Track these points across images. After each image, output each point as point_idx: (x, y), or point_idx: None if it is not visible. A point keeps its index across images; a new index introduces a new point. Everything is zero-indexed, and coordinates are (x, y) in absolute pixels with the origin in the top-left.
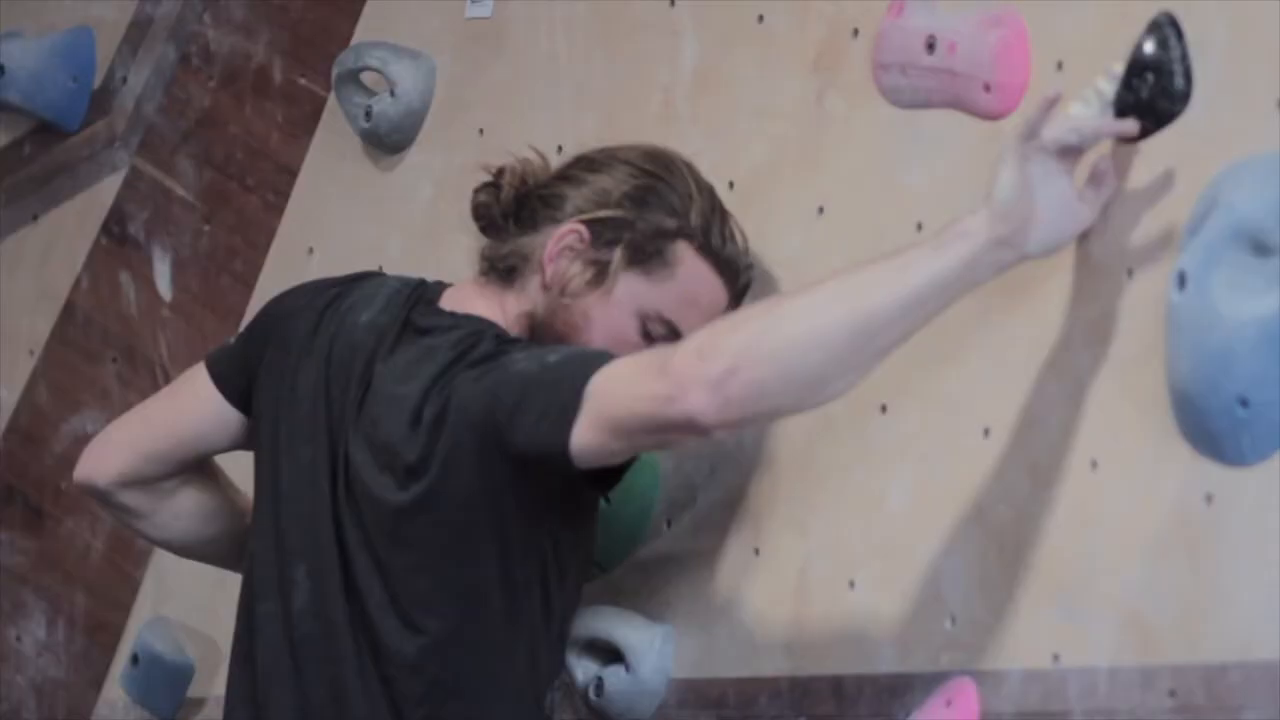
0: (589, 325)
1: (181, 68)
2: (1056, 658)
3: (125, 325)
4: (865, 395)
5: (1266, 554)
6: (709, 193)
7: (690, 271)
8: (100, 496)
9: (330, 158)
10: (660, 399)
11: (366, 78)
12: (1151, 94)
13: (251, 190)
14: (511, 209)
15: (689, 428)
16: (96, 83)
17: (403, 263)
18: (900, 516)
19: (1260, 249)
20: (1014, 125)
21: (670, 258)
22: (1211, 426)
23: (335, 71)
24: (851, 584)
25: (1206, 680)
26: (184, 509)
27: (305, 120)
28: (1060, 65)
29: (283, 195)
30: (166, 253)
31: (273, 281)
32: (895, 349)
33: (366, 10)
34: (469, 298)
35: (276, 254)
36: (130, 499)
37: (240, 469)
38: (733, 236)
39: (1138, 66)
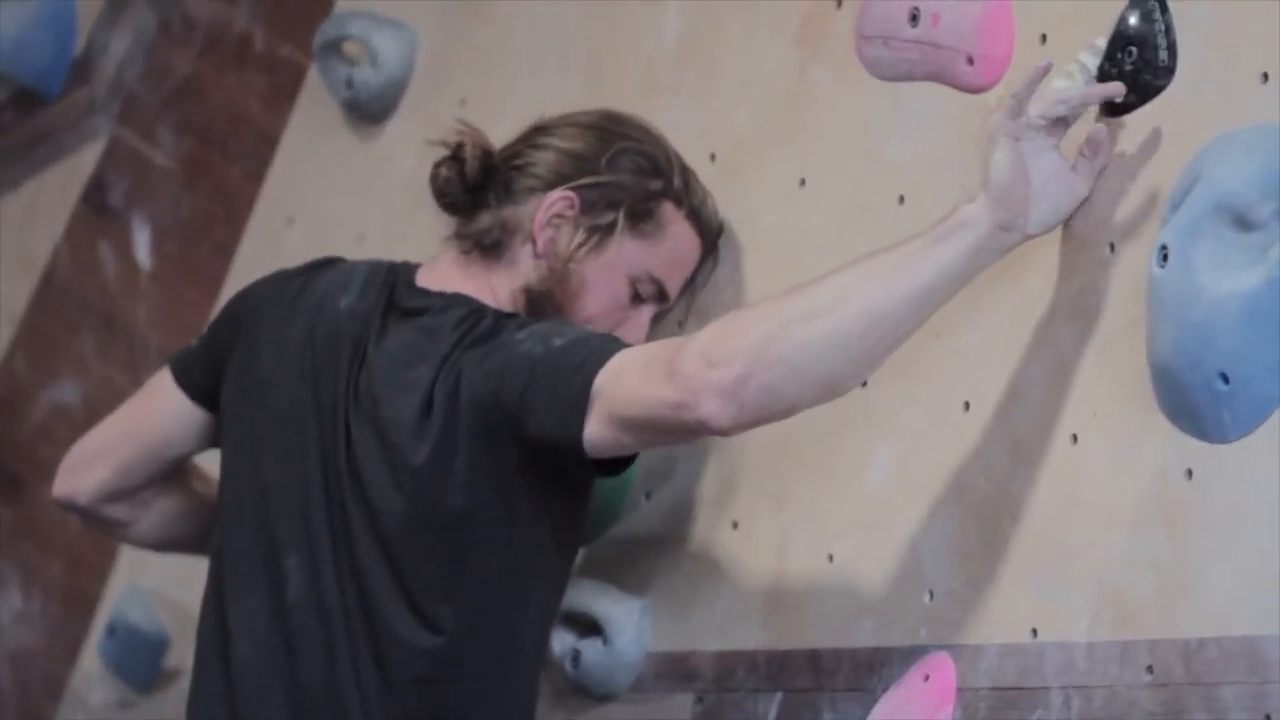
0: (585, 290)
1: (162, 35)
2: (1035, 633)
3: (104, 294)
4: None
5: (1245, 530)
6: (677, 154)
7: (678, 231)
8: (82, 513)
9: (311, 127)
10: (672, 405)
11: (348, 47)
12: (1135, 68)
13: (232, 159)
14: (479, 181)
15: (703, 431)
16: (77, 49)
17: (383, 232)
18: (880, 490)
19: (1242, 224)
20: (998, 103)
21: (660, 219)
22: (1192, 402)
23: (317, 40)
24: (830, 558)
25: (1184, 656)
26: (165, 514)
27: (286, 89)
28: (1044, 38)
29: (263, 164)
30: (146, 222)
31: (252, 251)
32: (905, 341)
33: None
34: (452, 277)
35: (256, 224)
36: (112, 512)
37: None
38: (706, 195)
39: (1121, 40)
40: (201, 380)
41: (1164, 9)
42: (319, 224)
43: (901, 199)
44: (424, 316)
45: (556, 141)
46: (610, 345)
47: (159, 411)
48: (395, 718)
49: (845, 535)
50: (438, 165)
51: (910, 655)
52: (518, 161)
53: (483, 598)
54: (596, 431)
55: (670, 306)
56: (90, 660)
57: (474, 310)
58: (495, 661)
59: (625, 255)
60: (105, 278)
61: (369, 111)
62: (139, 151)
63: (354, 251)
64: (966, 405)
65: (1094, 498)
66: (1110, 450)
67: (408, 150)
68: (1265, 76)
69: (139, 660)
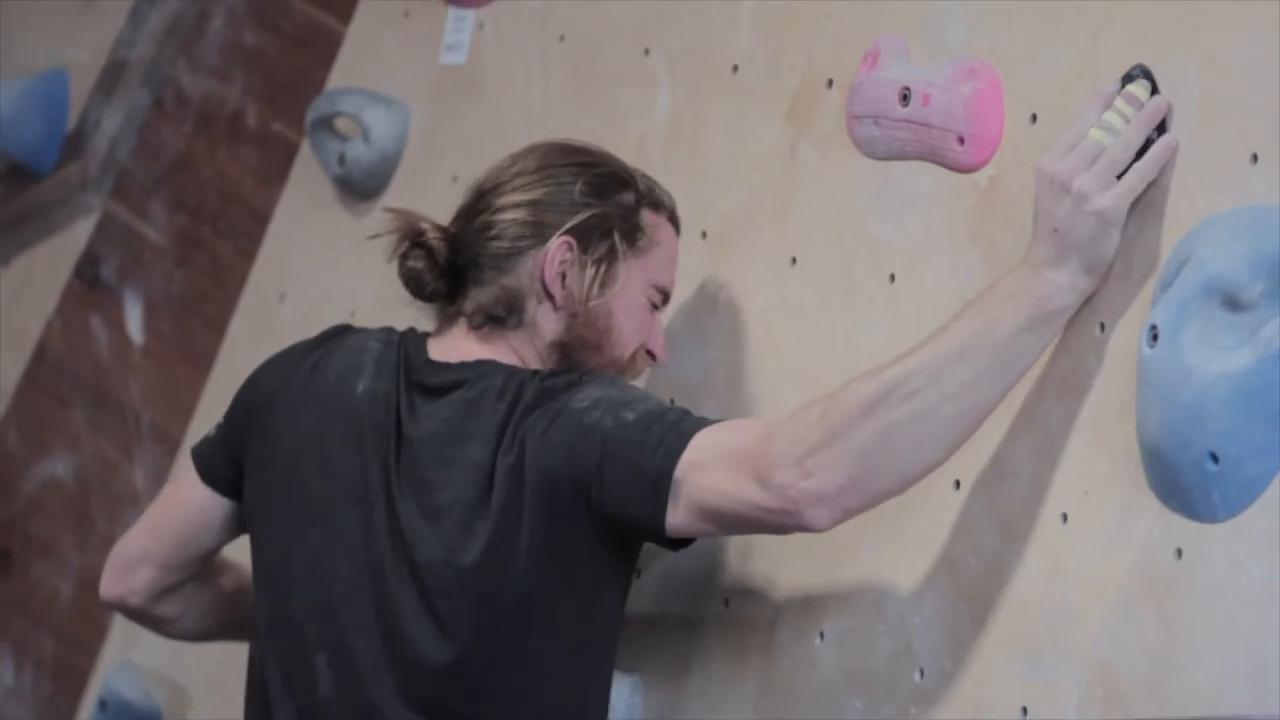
0: (613, 323)
1: (155, 111)
2: (1024, 711)
3: (96, 369)
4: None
5: (1235, 610)
6: (617, 157)
7: (662, 233)
8: (135, 614)
9: (303, 203)
10: (770, 511)
11: (340, 124)
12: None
13: (224, 235)
14: (453, 261)
15: (801, 530)
16: (70, 126)
17: (375, 309)
18: (870, 568)
19: (1232, 304)
20: (1125, 189)
21: (647, 229)
22: (1182, 482)
23: (309, 117)
24: (821, 635)
25: None
26: (209, 604)
27: (278, 165)
28: (1034, 118)
29: (255, 240)
30: (138, 297)
31: (244, 327)
32: None
33: (341, 56)
34: (471, 347)
35: (248, 299)
36: (163, 610)
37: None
38: (655, 182)
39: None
40: (224, 471)
41: (1154, 89)
42: (311, 300)
43: (892, 278)
44: (457, 391)
45: (516, 196)
46: (684, 424)
47: (189, 505)
48: None
49: (835, 613)
50: (404, 259)
51: None
52: (489, 232)
53: (546, 673)
54: (678, 518)
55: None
56: None
57: (511, 375)
58: None
59: (634, 275)
60: (97, 352)
61: (361, 188)
62: (131, 227)
63: None
64: (957, 484)
65: (1084, 576)
66: (1100, 529)
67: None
68: (1255, 158)
69: None
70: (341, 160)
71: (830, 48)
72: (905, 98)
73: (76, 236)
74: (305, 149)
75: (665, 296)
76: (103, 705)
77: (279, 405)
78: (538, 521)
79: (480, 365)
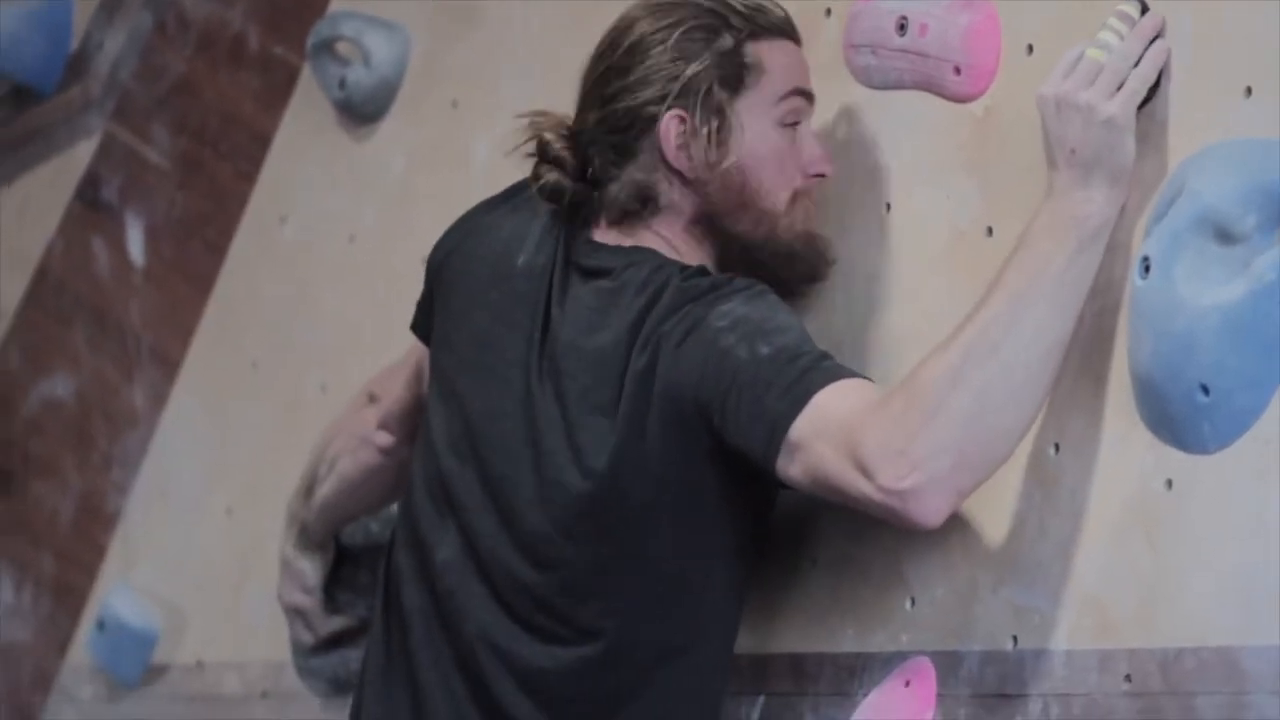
0: (750, 174)
1: (157, 34)
2: (1015, 640)
3: (97, 290)
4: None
5: (1224, 542)
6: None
7: (772, 57)
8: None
9: (304, 127)
10: (876, 503)
11: (341, 48)
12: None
13: (225, 158)
14: (583, 167)
15: (911, 527)
16: (72, 47)
17: (376, 232)
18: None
19: (1224, 237)
20: (1127, 95)
21: (752, 63)
22: (1172, 412)
23: (310, 41)
24: (813, 562)
25: (1162, 665)
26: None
27: (280, 89)
28: (1030, 49)
29: (256, 163)
30: (139, 218)
31: (244, 249)
32: None
33: None
34: (621, 236)
35: (249, 222)
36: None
37: None
38: (758, 3)
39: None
40: (425, 323)
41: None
42: (311, 223)
43: (888, 206)
44: (605, 278)
45: (617, 83)
46: (813, 374)
47: (416, 353)
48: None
49: (828, 540)
50: (537, 175)
51: (892, 661)
52: (604, 126)
53: (648, 591)
54: (793, 473)
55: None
56: (80, 655)
57: (657, 269)
58: (659, 689)
59: (754, 115)
60: (98, 274)
61: (362, 112)
62: (133, 149)
63: (345, 252)
64: None
65: (1074, 506)
66: (1091, 459)
67: (399, 151)
68: (1249, 90)
69: (128, 656)
70: (342, 84)
71: None
72: (902, 27)
73: (78, 158)
74: (306, 72)
75: (807, 98)
76: (101, 626)
77: (452, 267)
78: (664, 436)
79: (630, 253)
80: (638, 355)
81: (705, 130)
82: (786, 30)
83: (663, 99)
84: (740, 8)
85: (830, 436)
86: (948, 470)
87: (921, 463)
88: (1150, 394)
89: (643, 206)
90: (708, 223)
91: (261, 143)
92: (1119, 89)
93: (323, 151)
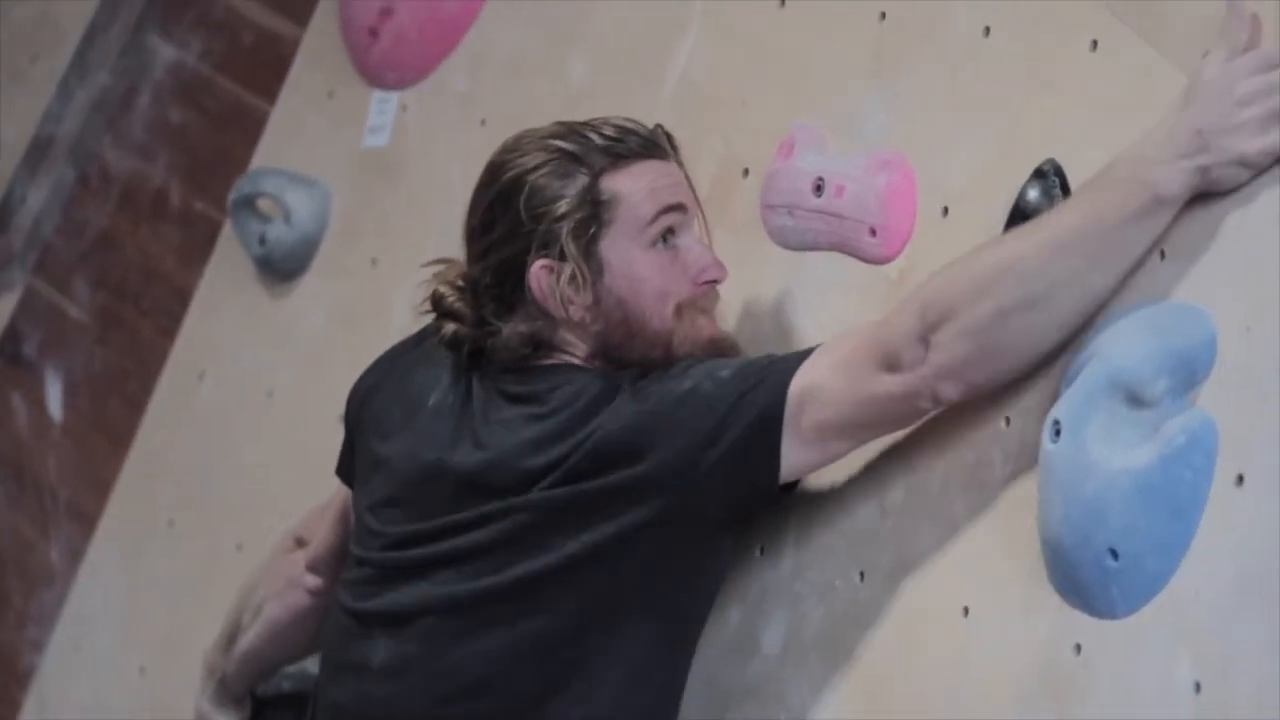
0: (628, 303)
1: (80, 188)
2: None
3: (15, 446)
4: (742, 538)
5: (1133, 708)
6: (566, 131)
7: (631, 183)
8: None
9: (224, 283)
10: (904, 397)
11: (262, 204)
12: None
13: (145, 313)
14: (477, 310)
15: (932, 408)
16: None
17: (293, 389)
18: (773, 659)
19: (1135, 401)
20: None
21: (608, 198)
22: (1082, 577)
23: (231, 197)
24: None
25: None
26: None
27: (201, 244)
28: (946, 211)
29: (176, 319)
30: (59, 373)
31: (163, 405)
32: None
33: (265, 136)
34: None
35: (168, 378)
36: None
37: None
38: (618, 131)
39: (1020, 214)
40: (350, 464)
41: (1064, 184)
42: (230, 379)
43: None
44: (533, 404)
45: (488, 239)
46: (787, 359)
47: (341, 497)
48: None
49: (739, 702)
50: (439, 332)
51: None
52: (484, 280)
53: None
54: (795, 457)
55: (696, 207)
56: None
57: (585, 388)
58: None
59: (621, 249)
60: (17, 428)
61: (281, 268)
62: (54, 303)
63: (263, 408)
64: (861, 575)
65: (984, 670)
66: (1001, 623)
67: (319, 307)
68: (1162, 255)
69: None
70: (263, 240)
71: (748, 136)
72: (819, 188)
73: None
74: (227, 228)
75: (679, 211)
76: None
77: (369, 408)
78: (600, 495)
79: (552, 375)
80: (578, 448)
81: (574, 275)
82: (649, 151)
83: (527, 250)
84: (598, 140)
85: (838, 371)
86: (961, 362)
87: (939, 346)
88: (1060, 558)
89: (536, 350)
90: (608, 348)
91: (182, 298)
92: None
93: (243, 307)
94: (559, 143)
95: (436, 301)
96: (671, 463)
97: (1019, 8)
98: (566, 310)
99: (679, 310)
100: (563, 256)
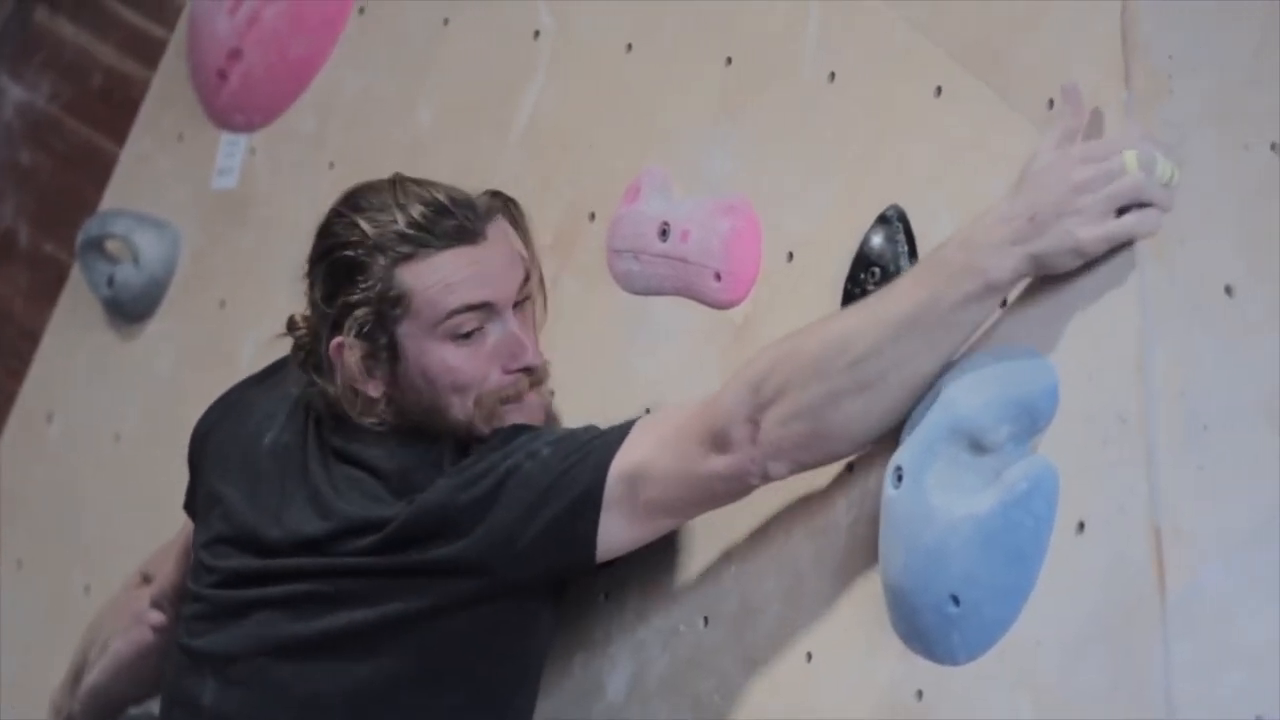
0: (424, 390)
1: None
2: None
3: None
4: (585, 582)
5: None
6: (384, 203)
7: (429, 281)
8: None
9: (73, 325)
10: (733, 477)
11: (111, 246)
12: (877, 288)
13: None
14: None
15: (762, 484)
16: None
17: (141, 431)
18: (618, 704)
19: (977, 447)
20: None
21: (400, 292)
22: (923, 623)
23: (79, 238)
24: None
25: None
26: None
27: (49, 286)
28: (791, 256)
29: (24, 360)
30: None
31: (12, 447)
32: None
33: (114, 178)
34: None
35: (16, 419)
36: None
37: None
38: (432, 212)
39: (864, 261)
40: (193, 501)
41: (908, 230)
42: (78, 421)
43: (648, 410)
44: (353, 465)
45: (301, 313)
46: (609, 434)
47: (186, 533)
48: None
49: None
50: (311, 386)
51: None
52: (301, 346)
53: None
54: (614, 534)
55: (526, 294)
56: None
57: (402, 456)
58: None
59: (416, 339)
60: None
61: (130, 310)
62: None
63: (111, 450)
64: (706, 620)
65: (827, 715)
66: (844, 669)
67: (167, 349)
68: (1004, 303)
69: None
70: (111, 282)
71: (594, 179)
72: (664, 233)
73: None
74: (76, 270)
75: (475, 310)
76: None
77: (209, 445)
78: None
79: (370, 439)
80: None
81: (368, 358)
82: (459, 237)
83: (326, 323)
84: (400, 226)
85: (666, 447)
86: (791, 445)
87: (769, 429)
88: (901, 604)
89: (351, 412)
90: (413, 422)
91: (30, 340)
92: (1118, 214)
93: (91, 349)
94: (364, 224)
95: (290, 325)
96: (490, 540)
97: (864, 54)
98: (366, 386)
99: (479, 401)
100: (357, 339)
